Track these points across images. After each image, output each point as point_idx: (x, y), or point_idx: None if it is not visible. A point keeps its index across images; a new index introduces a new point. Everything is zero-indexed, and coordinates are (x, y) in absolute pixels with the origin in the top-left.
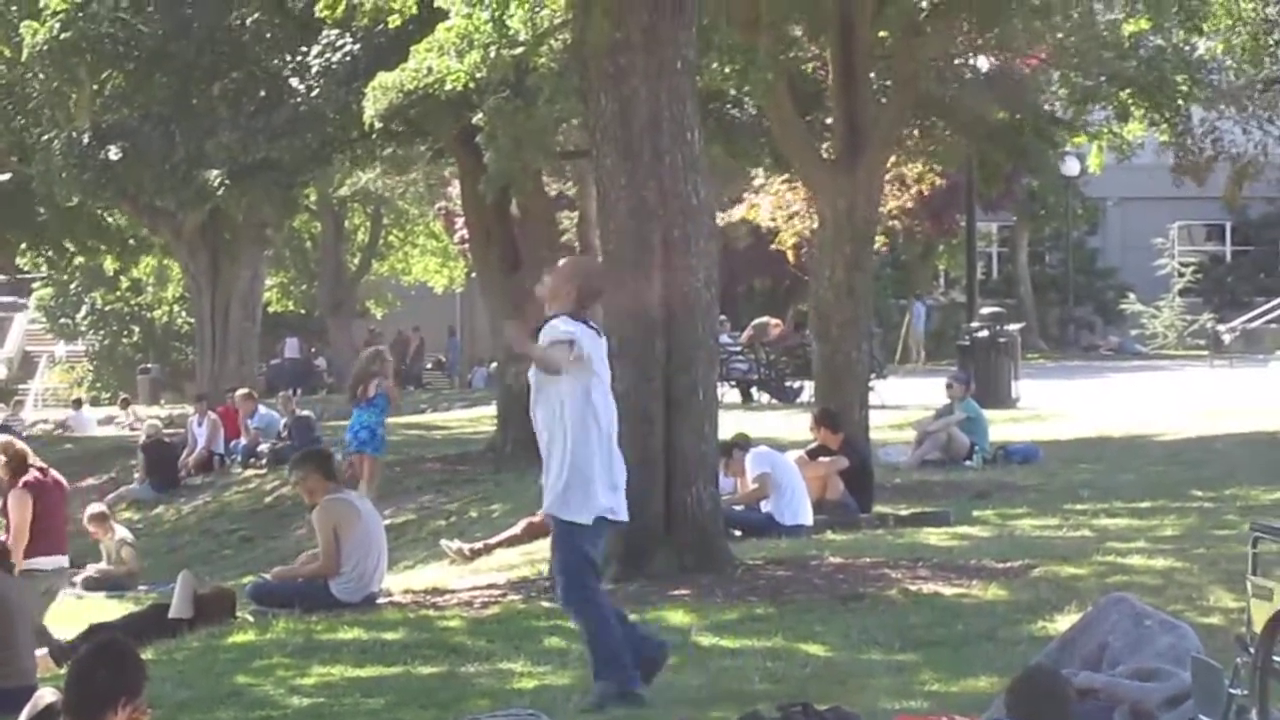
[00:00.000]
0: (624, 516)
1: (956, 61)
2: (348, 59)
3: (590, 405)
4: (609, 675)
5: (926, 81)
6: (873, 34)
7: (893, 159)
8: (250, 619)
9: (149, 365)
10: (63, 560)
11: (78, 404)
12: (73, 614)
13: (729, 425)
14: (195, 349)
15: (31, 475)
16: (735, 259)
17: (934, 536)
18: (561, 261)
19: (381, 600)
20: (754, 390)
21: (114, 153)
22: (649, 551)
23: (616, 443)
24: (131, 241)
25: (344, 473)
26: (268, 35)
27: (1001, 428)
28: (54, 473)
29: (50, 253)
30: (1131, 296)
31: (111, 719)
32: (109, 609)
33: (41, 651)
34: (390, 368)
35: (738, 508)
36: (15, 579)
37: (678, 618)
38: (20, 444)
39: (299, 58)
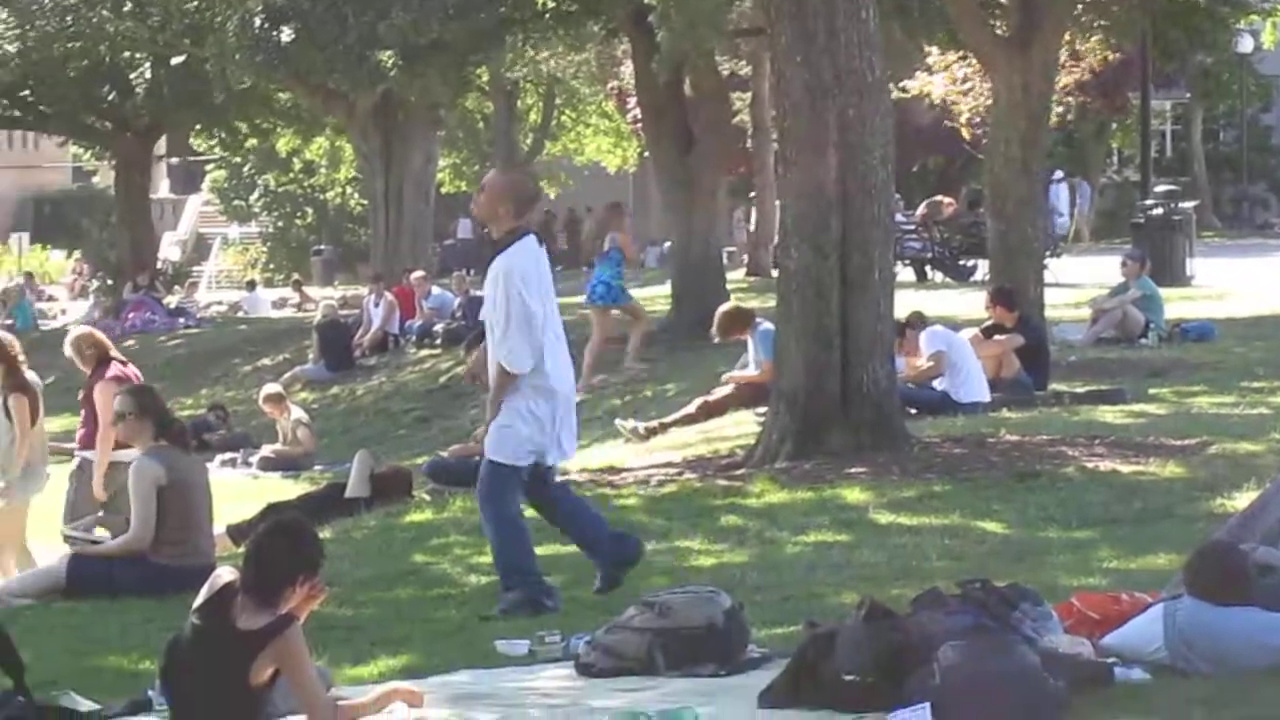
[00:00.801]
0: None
1: None
2: None
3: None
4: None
5: None
6: None
7: (1066, 35)
8: (427, 498)
9: (322, 247)
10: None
11: (251, 286)
12: (249, 493)
13: (903, 304)
14: (369, 230)
15: (116, 368)
16: (909, 137)
17: (1110, 414)
18: (485, 181)
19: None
20: (928, 269)
21: (286, 34)
22: (826, 429)
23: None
24: (304, 122)
25: None
26: None
27: (1176, 305)
28: (132, 367)
29: (223, 135)
30: None
31: (289, 596)
32: (285, 489)
33: (220, 530)
34: (627, 222)
35: (912, 386)
36: (195, 458)
37: (854, 495)
38: (102, 336)
39: None
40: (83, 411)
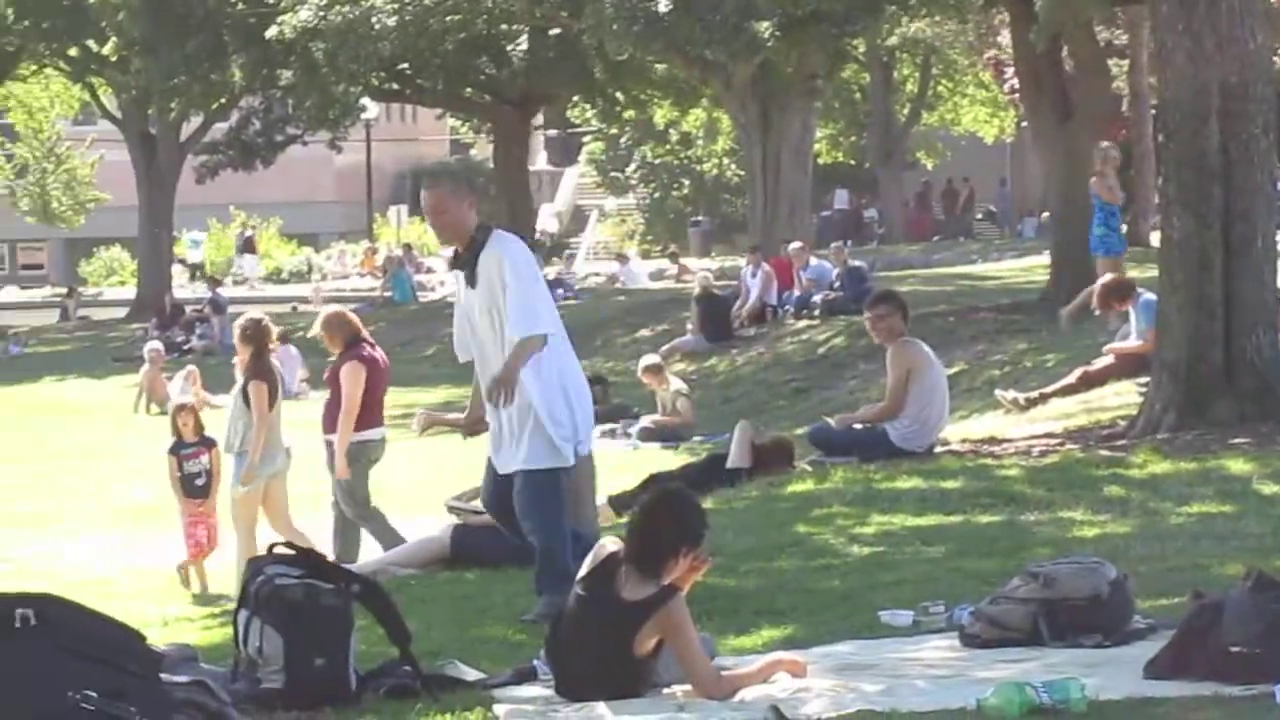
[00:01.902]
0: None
1: None
2: None
3: None
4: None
5: None
6: None
7: None
8: (809, 468)
9: (699, 218)
10: (385, 430)
11: (621, 258)
12: (629, 464)
13: None
14: (745, 201)
15: (364, 350)
16: None
17: None
18: (439, 193)
19: (939, 449)
20: None
21: (664, 5)
22: (1209, 399)
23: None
24: (681, 94)
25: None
26: None
27: None
28: (379, 350)
29: (600, 107)
30: None
31: (673, 567)
32: (664, 459)
33: (601, 500)
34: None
35: None
36: None
37: (1238, 466)
38: (353, 317)
39: None
40: (328, 392)
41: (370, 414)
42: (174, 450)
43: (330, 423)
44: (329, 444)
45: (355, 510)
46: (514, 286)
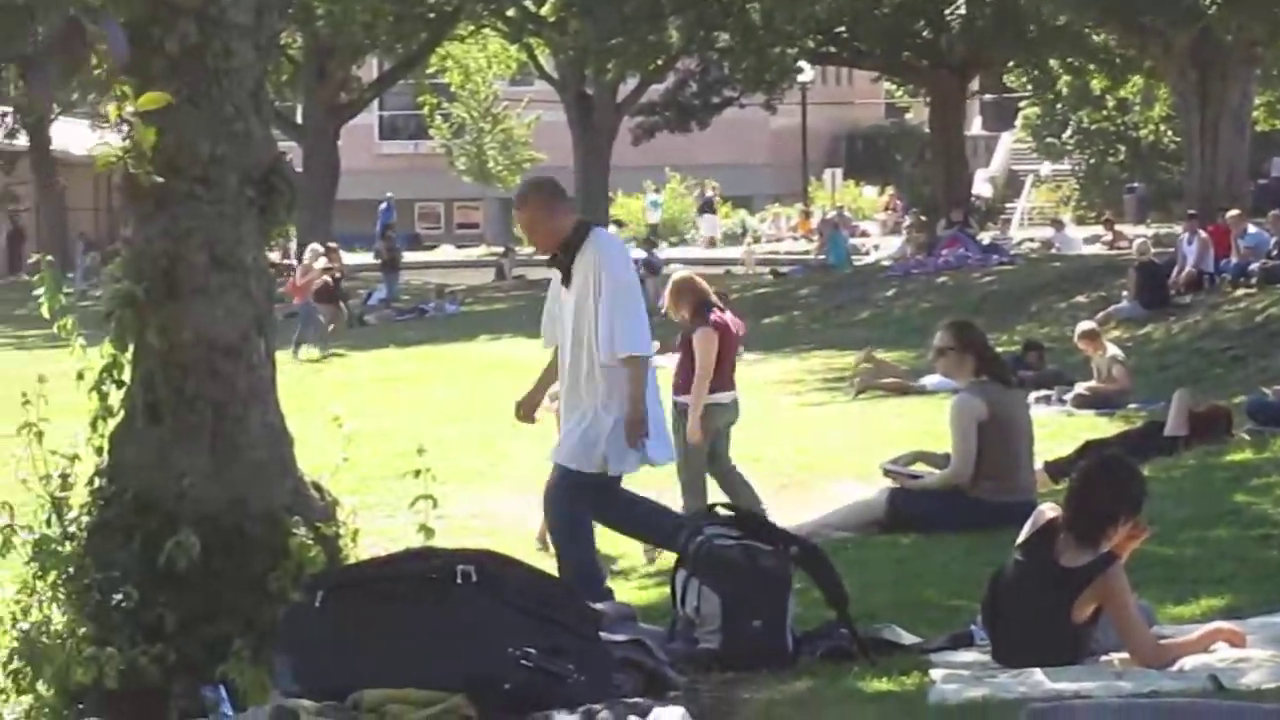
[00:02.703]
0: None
1: None
2: None
3: None
4: None
5: None
6: None
7: None
8: (1246, 437)
9: (1134, 184)
10: (736, 394)
11: (1057, 224)
12: (1063, 430)
13: None
14: (1182, 168)
15: (715, 315)
16: None
17: None
18: (529, 212)
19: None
20: None
21: None
22: None
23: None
24: (1118, 61)
25: None
26: None
27: None
28: (730, 314)
29: (1037, 72)
30: None
31: (1111, 534)
32: (1099, 426)
33: (1038, 466)
34: None
35: None
36: (1017, 394)
37: None
38: (702, 283)
39: None
40: (679, 356)
41: (721, 377)
42: None
43: (682, 386)
44: (678, 406)
45: (687, 475)
46: (620, 299)
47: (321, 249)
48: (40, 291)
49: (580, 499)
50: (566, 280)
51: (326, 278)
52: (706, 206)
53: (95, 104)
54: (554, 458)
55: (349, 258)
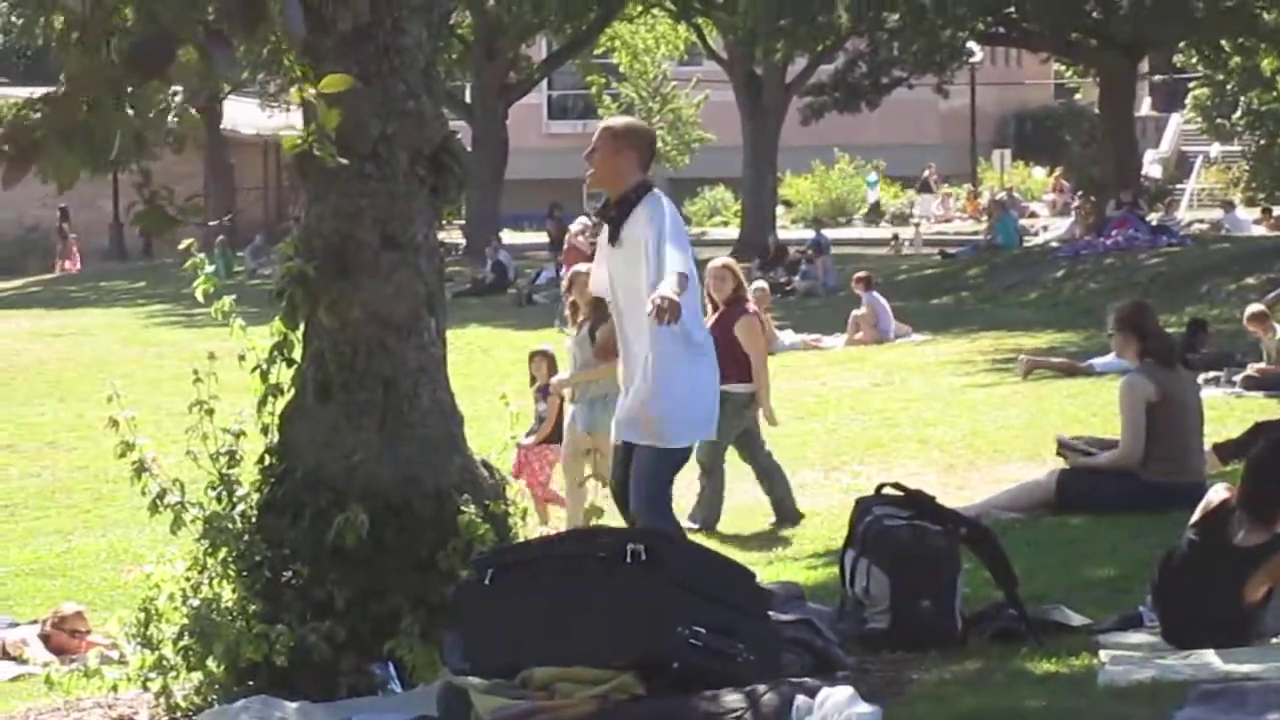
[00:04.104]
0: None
1: None
2: None
3: None
4: None
5: None
6: None
7: None
8: None
9: None
10: (753, 386)
11: (1228, 206)
12: (1231, 412)
13: None
14: None
15: (748, 305)
16: None
17: None
18: (603, 133)
19: None
20: None
21: None
22: None
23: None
24: None
25: None
26: None
27: None
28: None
29: (1207, 52)
30: None
31: None
32: (1268, 408)
33: (1206, 447)
34: None
35: None
36: (1186, 375)
37: None
38: (739, 269)
39: None
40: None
41: (741, 369)
42: None
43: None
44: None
45: (709, 460)
46: (667, 242)
47: (589, 220)
48: (202, 272)
49: (659, 475)
50: (614, 239)
51: None
52: (923, 186)
53: (264, 83)
54: (623, 437)
55: (517, 237)
